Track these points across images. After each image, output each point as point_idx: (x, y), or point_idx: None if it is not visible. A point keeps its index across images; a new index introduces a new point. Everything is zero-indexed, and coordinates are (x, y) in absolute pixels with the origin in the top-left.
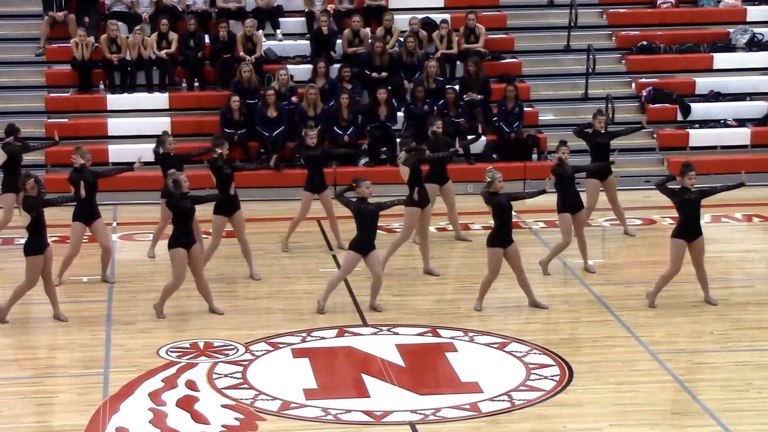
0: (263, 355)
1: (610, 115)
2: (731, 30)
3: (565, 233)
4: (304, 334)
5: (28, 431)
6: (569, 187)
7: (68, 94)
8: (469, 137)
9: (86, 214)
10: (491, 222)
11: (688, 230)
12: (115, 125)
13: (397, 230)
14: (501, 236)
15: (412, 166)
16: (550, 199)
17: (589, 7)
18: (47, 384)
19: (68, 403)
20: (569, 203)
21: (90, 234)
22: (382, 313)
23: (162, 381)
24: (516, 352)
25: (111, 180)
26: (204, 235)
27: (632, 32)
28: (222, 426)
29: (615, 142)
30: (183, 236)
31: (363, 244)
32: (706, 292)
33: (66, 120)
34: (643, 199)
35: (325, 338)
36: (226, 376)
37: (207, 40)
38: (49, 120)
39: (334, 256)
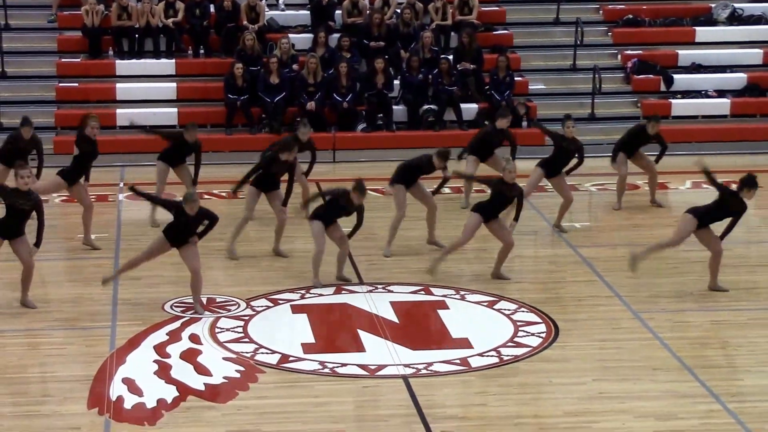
0: (263, 310)
1: (598, 85)
2: (713, 5)
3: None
4: (302, 291)
5: (37, 381)
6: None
7: (79, 60)
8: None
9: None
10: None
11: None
12: (124, 90)
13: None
14: (486, 208)
15: None
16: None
17: None
18: (56, 336)
19: (77, 355)
20: (553, 167)
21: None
22: (378, 271)
23: (167, 334)
24: (505, 309)
25: (117, 142)
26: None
27: (619, 6)
28: (223, 378)
29: None
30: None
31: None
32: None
33: (76, 84)
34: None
35: (323, 295)
36: (228, 330)
37: (212, 9)
38: (60, 84)
39: None
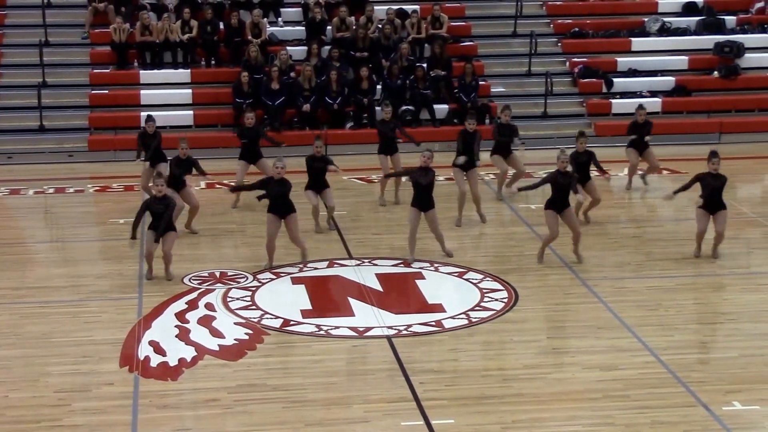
0: (268, 282)
1: (549, 88)
2: (645, 19)
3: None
4: (301, 265)
5: (78, 344)
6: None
7: (108, 71)
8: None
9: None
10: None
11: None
12: (147, 96)
13: (375, 180)
14: (553, 202)
15: None
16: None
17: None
18: (92, 306)
19: (110, 321)
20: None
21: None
22: (364, 247)
23: (186, 303)
24: (472, 279)
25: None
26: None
27: (567, 20)
28: (234, 339)
29: None
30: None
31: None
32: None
33: (106, 91)
34: None
35: (318, 269)
36: (238, 299)
37: (222, 26)
38: (93, 92)
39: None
